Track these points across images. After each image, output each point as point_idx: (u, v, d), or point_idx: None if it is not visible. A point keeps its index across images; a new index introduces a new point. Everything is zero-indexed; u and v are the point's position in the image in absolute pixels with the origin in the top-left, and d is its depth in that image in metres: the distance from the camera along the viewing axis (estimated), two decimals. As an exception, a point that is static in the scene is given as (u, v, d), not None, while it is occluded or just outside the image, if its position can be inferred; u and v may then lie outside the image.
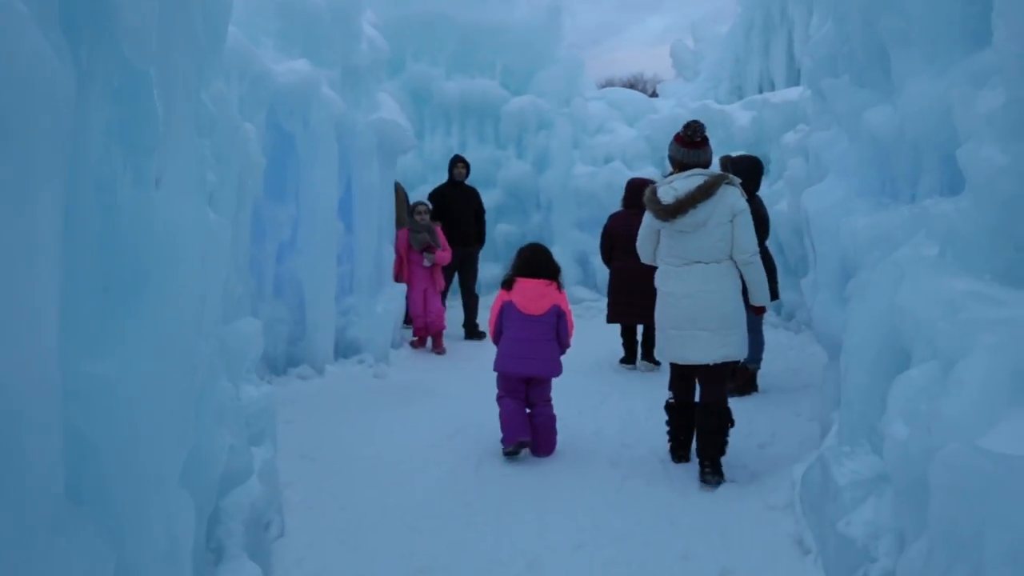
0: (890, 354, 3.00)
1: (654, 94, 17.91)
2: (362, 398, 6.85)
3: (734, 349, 4.55)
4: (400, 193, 9.50)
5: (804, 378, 7.39)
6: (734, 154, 8.51)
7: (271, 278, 7.15)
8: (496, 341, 5.30)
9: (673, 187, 4.51)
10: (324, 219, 7.24)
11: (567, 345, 5.24)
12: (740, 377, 6.70)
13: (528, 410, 5.20)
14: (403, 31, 12.52)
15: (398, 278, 8.56)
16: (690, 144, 4.63)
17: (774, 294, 6.39)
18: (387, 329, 8.01)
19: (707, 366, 4.58)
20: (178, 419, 2.35)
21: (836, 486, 3.11)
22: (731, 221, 4.47)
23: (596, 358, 8.46)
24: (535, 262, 5.17)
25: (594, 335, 9.81)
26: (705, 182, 4.46)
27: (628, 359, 8.24)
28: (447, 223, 9.12)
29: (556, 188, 11.94)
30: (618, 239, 7.98)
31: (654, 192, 4.61)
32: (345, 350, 7.85)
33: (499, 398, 5.24)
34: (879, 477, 2.93)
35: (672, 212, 4.43)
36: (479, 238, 9.61)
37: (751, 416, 6.16)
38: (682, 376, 4.86)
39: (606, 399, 6.85)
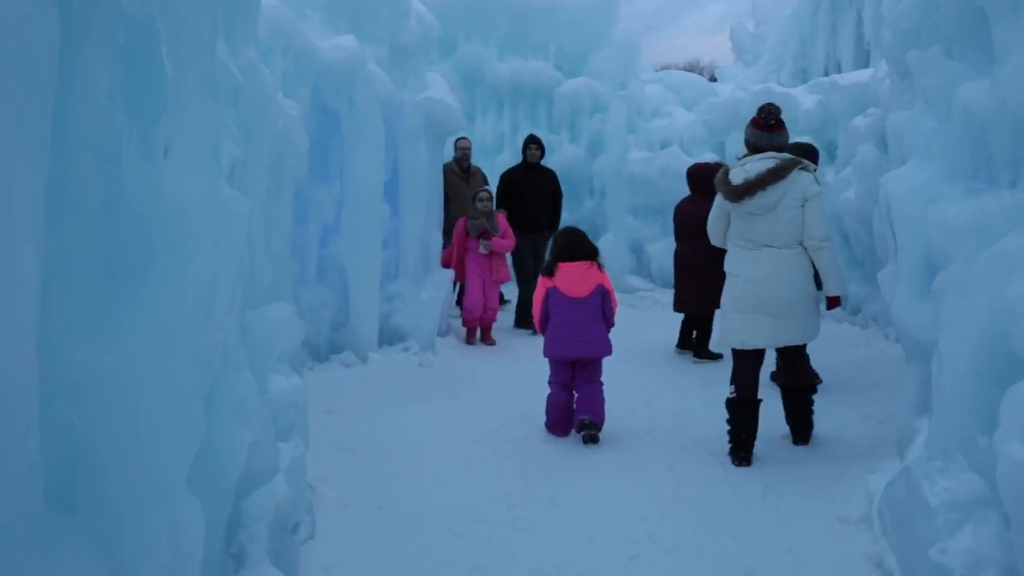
0: (997, 359, 2.62)
1: (712, 79, 17.37)
2: (406, 388, 6.60)
3: (801, 332, 4.63)
4: (477, 177, 9.46)
5: (871, 376, 6.94)
6: (805, 140, 8.08)
7: (314, 261, 6.93)
8: (543, 329, 5.35)
9: (745, 169, 4.53)
10: (369, 202, 7.00)
11: (612, 323, 5.30)
12: None
13: (576, 394, 5.26)
14: (454, 11, 12.24)
15: (447, 264, 8.23)
16: (765, 127, 4.66)
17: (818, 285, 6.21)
18: (433, 316, 7.76)
19: (788, 349, 4.70)
20: (185, 416, 2.09)
21: (927, 506, 2.74)
22: (802, 206, 4.49)
23: (648, 349, 8.10)
24: (573, 245, 5.23)
25: (647, 325, 9.45)
26: (776, 165, 4.47)
27: (684, 344, 7.89)
28: (520, 208, 8.89)
29: (610, 173, 11.56)
30: (681, 225, 7.77)
31: (726, 173, 4.62)
32: (390, 337, 7.62)
33: (550, 382, 5.34)
34: (980, 500, 2.56)
35: (740, 193, 4.44)
36: (552, 224, 9.01)
37: (816, 417, 5.77)
38: (747, 369, 4.71)
39: (659, 394, 6.49)
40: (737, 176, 4.53)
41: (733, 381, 4.76)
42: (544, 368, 5.55)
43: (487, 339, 8.28)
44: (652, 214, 11.38)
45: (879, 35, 10.99)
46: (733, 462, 4.69)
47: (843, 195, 8.83)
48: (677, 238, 7.96)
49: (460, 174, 9.36)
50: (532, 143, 9.24)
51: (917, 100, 4.50)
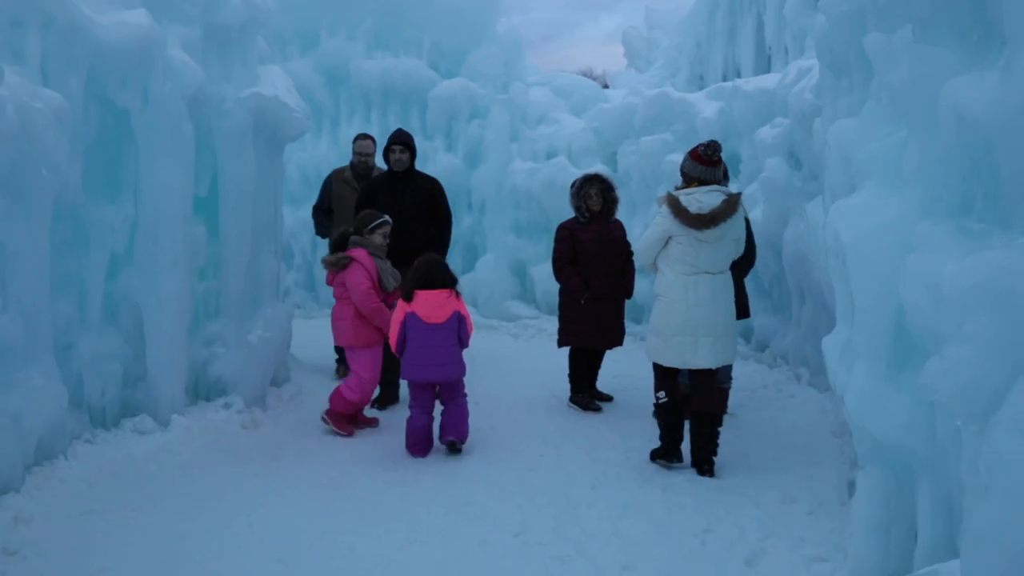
0: None
1: (605, 87, 16.32)
2: (217, 463, 5.14)
3: (731, 353, 5.03)
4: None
5: (791, 438, 5.84)
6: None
7: (98, 300, 5.35)
8: (399, 352, 5.45)
9: (697, 199, 4.77)
10: (172, 222, 5.48)
11: (467, 344, 5.50)
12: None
13: (442, 414, 5.50)
14: (316, 0, 10.78)
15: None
16: (709, 162, 4.90)
17: (747, 311, 6.17)
18: (264, 363, 6.28)
19: (703, 371, 4.92)
20: None
21: None
22: (739, 239, 4.97)
23: (531, 397, 6.83)
24: (433, 276, 5.40)
25: (531, 359, 8.22)
26: (731, 198, 4.83)
27: (580, 393, 6.72)
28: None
29: (490, 187, 10.32)
30: (591, 250, 6.56)
31: (678, 201, 4.78)
32: (208, 391, 6.10)
33: (410, 406, 5.47)
34: None
35: (707, 222, 4.71)
36: (438, 251, 6.49)
37: (727, 501, 4.61)
38: (671, 376, 5.02)
39: (537, 464, 5.23)
40: (691, 205, 4.74)
41: (660, 387, 5.02)
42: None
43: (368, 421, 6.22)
44: (536, 232, 10.16)
45: (781, 39, 10.12)
46: (671, 464, 5.06)
47: (748, 215, 7.76)
48: (573, 264, 6.58)
49: (355, 185, 7.25)
50: (395, 144, 6.61)
51: (872, 103, 3.33)
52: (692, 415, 5.02)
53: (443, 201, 6.80)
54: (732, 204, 4.79)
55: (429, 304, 5.32)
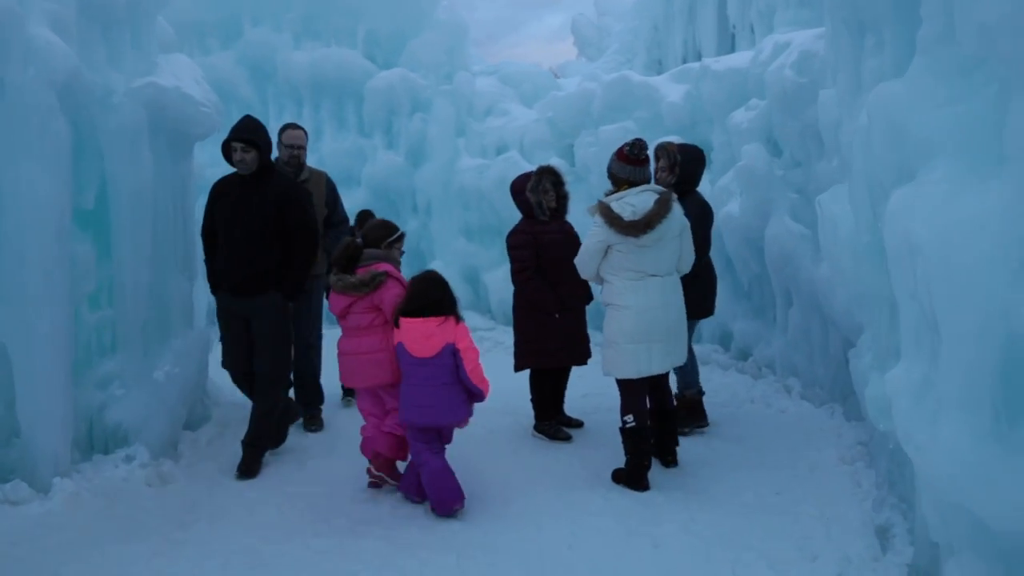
0: None
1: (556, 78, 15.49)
2: (110, 536, 4.16)
3: (683, 355, 4.91)
4: (319, 186, 6.10)
5: (793, 466, 5.03)
6: (674, 140, 6.22)
7: (-47, 340, 4.32)
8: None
9: (629, 203, 4.62)
10: (43, 241, 4.47)
11: (478, 390, 4.52)
12: (685, 407, 5.70)
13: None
14: (237, -14, 9.81)
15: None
16: (636, 162, 4.74)
17: (710, 309, 5.84)
18: (173, 404, 5.30)
19: (657, 375, 4.83)
20: None
21: None
22: (679, 236, 4.75)
23: (487, 423, 5.92)
24: (420, 300, 4.48)
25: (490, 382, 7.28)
26: (662, 197, 4.65)
27: (546, 420, 5.85)
28: (218, 251, 5.29)
29: (436, 186, 9.47)
30: (555, 255, 5.59)
31: (610, 209, 4.62)
32: (105, 442, 5.09)
33: (417, 454, 4.52)
34: None
35: (642, 227, 4.56)
36: (284, 285, 5.14)
37: (734, 559, 3.78)
38: (641, 396, 4.82)
39: (503, 512, 4.35)
40: (624, 210, 4.60)
41: (630, 411, 4.76)
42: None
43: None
44: (488, 235, 9.27)
45: (746, 16, 9.36)
46: (639, 489, 4.70)
47: (724, 208, 6.99)
48: (539, 273, 5.63)
49: None
50: (235, 142, 5.00)
51: (924, 59, 2.49)
52: (654, 414, 4.98)
53: (296, 212, 4.99)
54: (665, 204, 4.63)
55: (414, 334, 4.44)
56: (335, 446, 5.60)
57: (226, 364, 5.25)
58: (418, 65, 10.02)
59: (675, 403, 5.22)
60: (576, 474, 5.04)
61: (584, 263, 4.83)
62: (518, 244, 5.64)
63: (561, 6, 68.11)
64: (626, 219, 4.56)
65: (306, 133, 6.17)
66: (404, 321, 4.46)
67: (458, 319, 4.50)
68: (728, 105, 7.25)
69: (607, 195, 4.80)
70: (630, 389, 4.78)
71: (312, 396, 6.10)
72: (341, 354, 4.75)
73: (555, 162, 8.87)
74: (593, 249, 4.73)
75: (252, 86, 10.18)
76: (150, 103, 5.21)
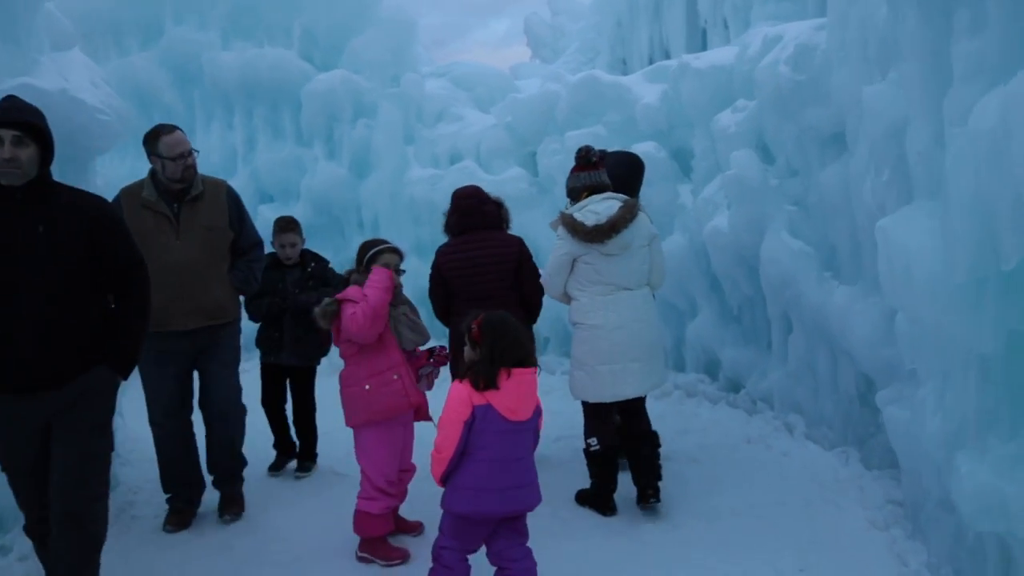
0: None
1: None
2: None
3: (660, 376, 4.64)
4: (215, 204, 4.46)
5: (812, 532, 4.24)
6: (610, 149, 5.42)
7: None
8: (446, 477, 3.39)
9: (592, 210, 4.42)
10: None
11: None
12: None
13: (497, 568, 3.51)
14: (157, -20, 8.81)
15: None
16: (590, 166, 4.59)
17: None
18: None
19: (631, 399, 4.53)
20: None
21: None
22: (648, 245, 4.53)
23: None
24: (524, 339, 3.43)
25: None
26: (627, 203, 4.46)
27: None
28: None
29: (383, 199, 8.62)
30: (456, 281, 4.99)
31: (572, 218, 4.41)
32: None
33: (442, 549, 3.45)
34: None
35: (606, 232, 4.35)
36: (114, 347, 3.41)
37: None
38: (607, 418, 4.56)
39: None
40: (587, 218, 4.39)
41: (595, 433, 4.52)
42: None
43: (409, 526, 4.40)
44: (443, 253, 8.37)
45: (718, 10, 8.64)
46: (604, 512, 4.49)
47: (709, 223, 6.23)
48: (468, 299, 4.84)
49: (164, 208, 4.28)
50: (8, 113, 3.15)
51: None
52: (628, 442, 4.57)
53: (123, 242, 3.30)
54: (630, 209, 4.43)
55: (520, 391, 3.36)
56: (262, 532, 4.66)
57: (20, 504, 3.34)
58: (361, 66, 9.08)
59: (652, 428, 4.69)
60: (547, 528, 4.21)
61: (550, 279, 4.58)
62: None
63: (507, 12, 67.81)
64: (589, 226, 4.34)
65: (185, 140, 4.40)
66: (516, 373, 3.34)
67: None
68: (711, 107, 6.50)
69: (567, 208, 4.59)
70: (596, 411, 4.54)
71: (226, 474, 4.72)
72: None
73: (515, 172, 8.07)
74: (558, 263, 4.50)
75: (176, 90, 9.19)
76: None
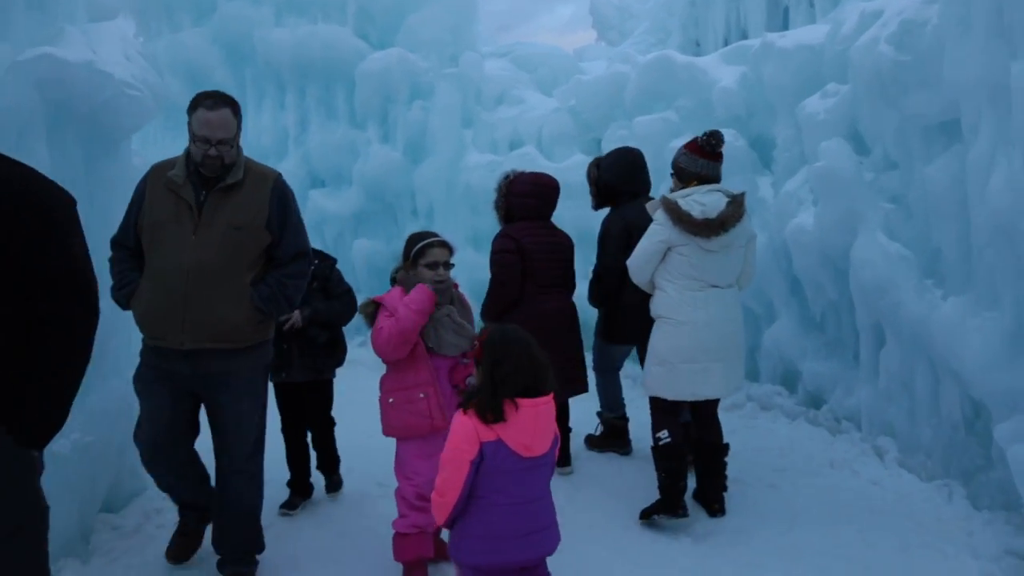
0: None
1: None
2: None
3: (740, 378, 4.58)
4: (260, 191, 3.53)
5: (892, 561, 3.68)
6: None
7: None
8: (451, 520, 2.87)
9: (698, 201, 4.21)
10: None
11: None
12: (605, 429, 5.47)
13: None
14: (209, -48, 8.54)
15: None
16: (712, 156, 4.37)
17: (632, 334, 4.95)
18: (82, 485, 3.96)
19: (707, 401, 4.43)
20: None
21: None
22: (745, 245, 4.40)
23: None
24: (539, 365, 2.85)
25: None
26: (737, 199, 4.29)
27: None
28: None
29: (439, 186, 8.25)
30: (540, 264, 4.87)
31: (677, 206, 4.19)
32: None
33: None
34: None
35: (715, 228, 4.18)
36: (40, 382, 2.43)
37: None
38: (675, 412, 4.45)
39: None
40: (692, 208, 4.19)
41: (664, 426, 4.34)
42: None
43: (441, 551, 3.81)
44: (500, 243, 7.92)
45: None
46: (675, 516, 4.21)
47: (792, 221, 5.65)
48: (532, 283, 4.84)
49: (188, 193, 3.44)
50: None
51: None
52: (698, 449, 4.50)
53: (43, 244, 2.23)
54: (740, 205, 4.28)
55: (534, 424, 2.87)
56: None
57: None
58: (418, 45, 8.66)
59: (724, 440, 4.53)
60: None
61: (639, 266, 4.39)
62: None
63: (573, -6, 67.13)
64: (696, 217, 4.15)
65: (237, 110, 3.53)
66: (524, 404, 2.86)
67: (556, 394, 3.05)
68: (797, 91, 5.89)
69: (672, 191, 4.43)
70: (665, 407, 4.41)
71: (236, 554, 3.75)
72: None
73: (579, 160, 7.53)
74: (652, 250, 4.31)
75: (228, 68, 8.93)
76: (44, 82, 3.85)
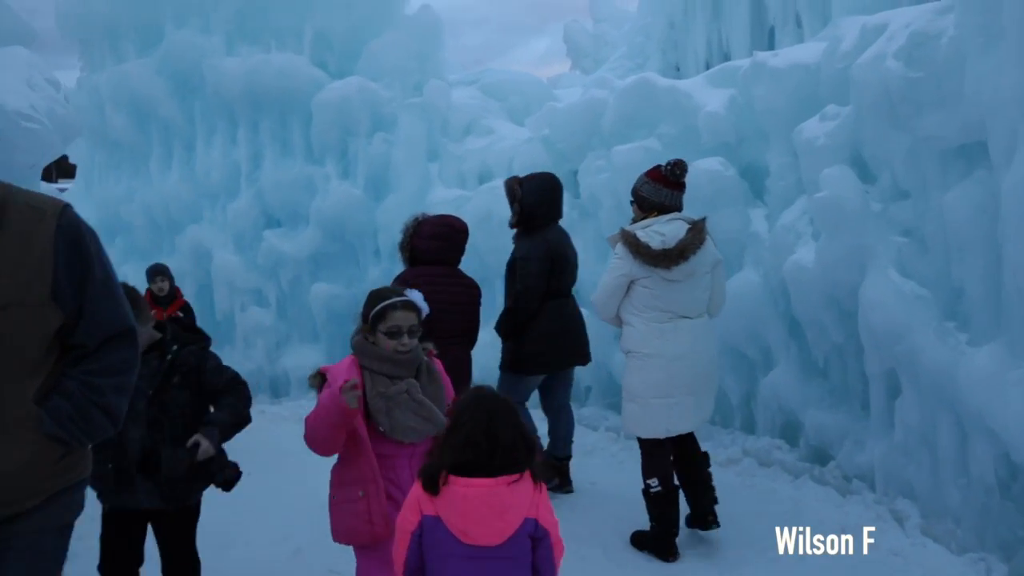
0: None
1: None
2: None
3: (710, 409, 4.51)
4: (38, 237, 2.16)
5: None
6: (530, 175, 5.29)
7: None
8: None
9: (658, 231, 4.22)
10: None
11: None
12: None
13: None
14: (156, -22, 7.99)
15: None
16: (674, 185, 4.32)
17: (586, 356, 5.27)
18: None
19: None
20: None
21: None
22: (711, 271, 4.34)
23: None
24: (479, 446, 2.39)
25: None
26: (696, 225, 4.27)
27: None
28: None
29: (403, 223, 7.42)
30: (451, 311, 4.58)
31: (635, 238, 4.20)
32: None
33: None
34: None
35: (674, 258, 4.16)
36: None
37: None
38: (666, 456, 4.36)
39: None
40: (652, 239, 4.18)
41: (655, 473, 4.28)
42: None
43: None
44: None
45: (789, 6, 7.51)
46: (667, 559, 4.23)
47: (790, 257, 5.11)
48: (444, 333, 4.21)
49: None
50: None
51: None
52: (680, 466, 4.44)
53: None
54: (700, 232, 4.25)
55: (474, 506, 2.45)
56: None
57: None
58: (380, 73, 8.14)
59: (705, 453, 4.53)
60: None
61: (603, 301, 4.37)
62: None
63: (548, 30, 67.67)
64: (655, 248, 4.15)
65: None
66: (457, 483, 2.46)
67: (536, 477, 2.52)
68: (792, 115, 5.35)
69: (632, 223, 4.40)
70: (655, 449, 4.35)
71: None
72: None
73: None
74: (614, 285, 4.29)
75: (176, 101, 8.32)
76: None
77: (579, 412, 6.42)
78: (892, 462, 4.62)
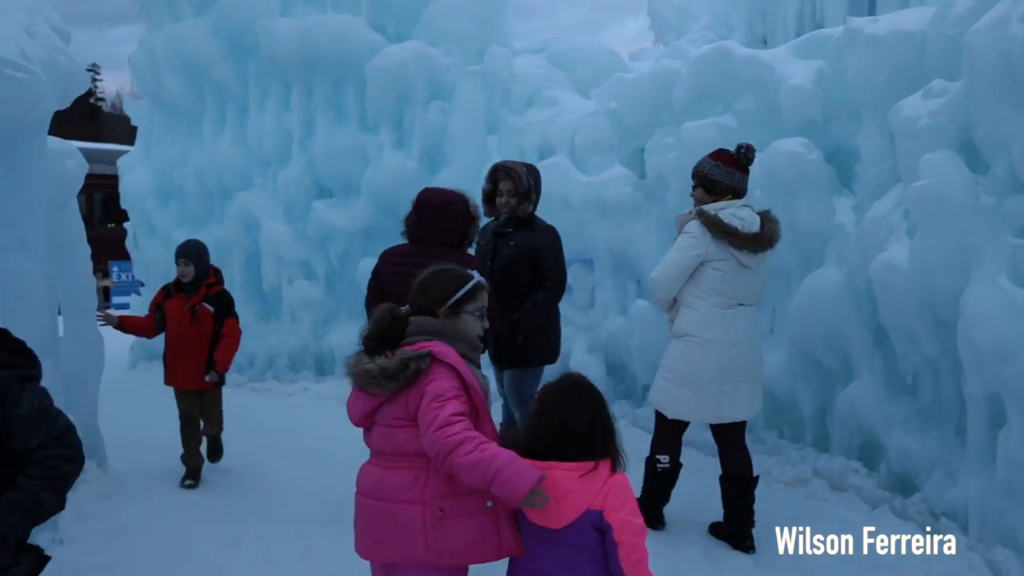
0: None
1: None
2: None
3: (760, 401, 4.47)
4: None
5: None
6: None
7: None
8: None
9: (736, 215, 4.19)
10: None
11: None
12: None
13: None
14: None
15: None
16: (745, 169, 4.33)
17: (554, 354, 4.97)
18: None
19: (732, 426, 4.37)
20: None
21: None
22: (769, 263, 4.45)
23: None
24: (553, 433, 2.54)
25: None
26: (769, 214, 4.34)
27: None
28: None
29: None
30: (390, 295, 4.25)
31: (719, 219, 4.15)
32: None
33: None
34: None
35: (764, 243, 4.21)
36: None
37: None
38: (679, 435, 4.45)
39: None
40: (732, 222, 4.15)
41: (667, 451, 4.39)
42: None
43: None
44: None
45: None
46: (652, 527, 4.11)
47: (880, 255, 4.47)
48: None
49: None
50: None
51: None
52: (725, 482, 4.39)
53: None
54: (776, 222, 4.28)
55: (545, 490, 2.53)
56: None
57: None
58: (439, 38, 7.80)
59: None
60: None
61: (669, 280, 4.29)
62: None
63: (642, 9, 67.20)
64: (741, 231, 4.14)
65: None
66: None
67: (615, 466, 2.57)
68: (891, 90, 4.68)
69: (697, 204, 4.35)
70: (673, 427, 4.40)
71: None
72: (358, 494, 2.70)
73: (617, 172, 6.42)
74: (686, 263, 4.23)
75: (230, 63, 8.14)
76: None
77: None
78: (991, 503, 3.97)
